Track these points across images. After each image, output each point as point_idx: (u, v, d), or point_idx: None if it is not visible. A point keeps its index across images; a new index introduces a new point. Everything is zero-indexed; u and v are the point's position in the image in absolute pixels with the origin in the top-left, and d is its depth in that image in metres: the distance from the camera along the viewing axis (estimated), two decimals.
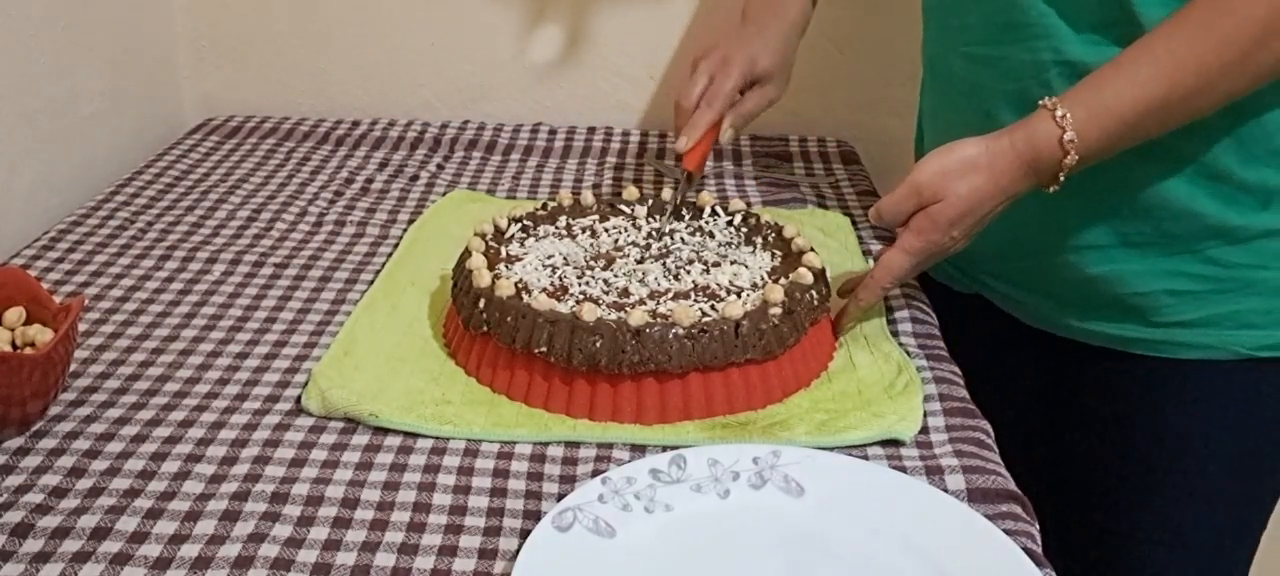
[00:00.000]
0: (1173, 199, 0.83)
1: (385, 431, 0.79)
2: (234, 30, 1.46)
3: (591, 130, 1.41)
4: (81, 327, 0.91)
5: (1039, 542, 0.71)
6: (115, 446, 0.77)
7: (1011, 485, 0.75)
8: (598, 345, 0.78)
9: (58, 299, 0.83)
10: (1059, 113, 0.77)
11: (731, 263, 0.89)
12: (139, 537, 0.68)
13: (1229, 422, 0.90)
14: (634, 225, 0.96)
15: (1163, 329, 0.88)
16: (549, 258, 0.90)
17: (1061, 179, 0.79)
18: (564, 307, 0.80)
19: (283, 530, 0.70)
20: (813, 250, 0.89)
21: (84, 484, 0.73)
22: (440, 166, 1.29)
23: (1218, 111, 0.78)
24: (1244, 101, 0.77)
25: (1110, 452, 0.94)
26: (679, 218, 0.97)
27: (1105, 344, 0.91)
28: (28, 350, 0.79)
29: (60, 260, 1.04)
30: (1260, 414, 0.90)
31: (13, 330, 0.80)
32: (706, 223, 0.96)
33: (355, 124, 1.40)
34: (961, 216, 0.82)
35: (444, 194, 1.20)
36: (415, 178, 1.25)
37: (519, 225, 0.94)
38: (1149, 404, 0.91)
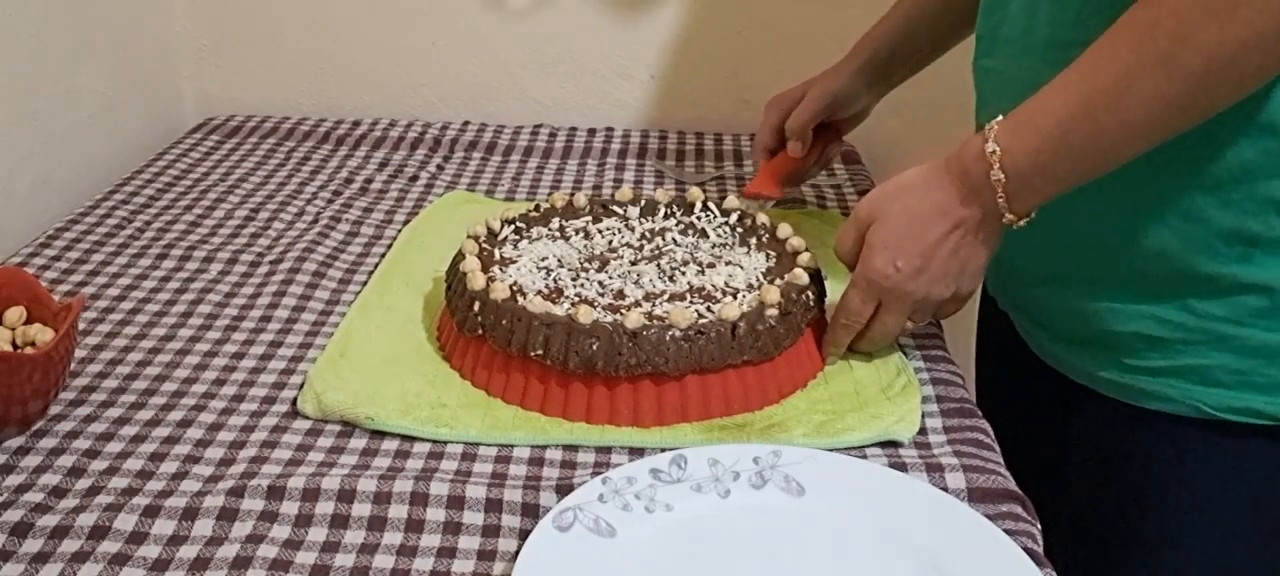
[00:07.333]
0: (1143, 238, 0.77)
1: (382, 433, 0.79)
2: (234, 30, 1.46)
3: (592, 130, 1.41)
4: (81, 327, 0.91)
5: (1040, 542, 0.71)
6: (114, 446, 0.77)
7: (1011, 484, 0.75)
8: (594, 348, 0.78)
9: (58, 298, 0.83)
10: (989, 126, 0.73)
11: (726, 263, 0.89)
12: (138, 538, 0.69)
13: (1181, 486, 0.82)
14: (627, 226, 0.96)
15: (1131, 374, 0.81)
16: (543, 260, 0.90)
17: (1000, 202, 0.74)
18: (560, 310, 0.80)
19: (281, 531, 0.70)
20: (807, 250, 0.89)
21: (83, 483, 0.73)
22: (440, 167, 1.29)
23: (1187, 145, 0.72)
24: (1216, 135, 0.72)
25: (1078, 491, 0.89)
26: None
27: (1085, 382, 0.85)
28: (28, 349, 0.79)
29: (59, 259, 1.04)
30: (1228, 491, 0.80)
31: (13, 329, 0.80)
32: (700, 221, 0.96)
33: (355, 124, 1.41)
34: (899, 238, 0.78)
35: (444, 194, 1.21)
36: (415, 178, 1.25)
37: (512, 226, 0.94)
38: (1111, 450, 0.85)
